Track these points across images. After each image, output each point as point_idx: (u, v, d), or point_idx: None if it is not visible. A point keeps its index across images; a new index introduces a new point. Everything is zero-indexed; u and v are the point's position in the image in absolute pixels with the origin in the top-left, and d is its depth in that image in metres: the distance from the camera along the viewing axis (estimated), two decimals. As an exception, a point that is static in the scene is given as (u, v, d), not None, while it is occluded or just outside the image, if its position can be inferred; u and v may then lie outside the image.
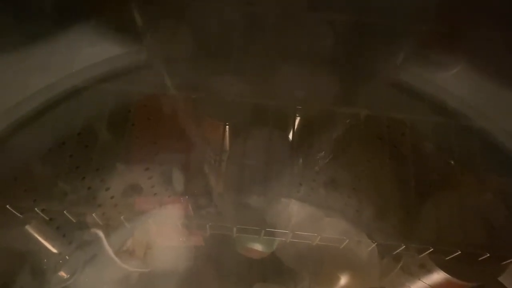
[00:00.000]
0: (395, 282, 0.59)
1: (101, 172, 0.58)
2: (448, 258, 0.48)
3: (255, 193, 0.51)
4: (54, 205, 0.47)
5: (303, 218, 0.52)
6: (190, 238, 0.56)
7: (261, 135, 0.55)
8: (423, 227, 0.51)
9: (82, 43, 0.55)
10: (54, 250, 0.58)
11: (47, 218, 0.49)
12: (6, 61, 0.52)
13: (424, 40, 0.53)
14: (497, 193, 0.53)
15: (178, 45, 0.55)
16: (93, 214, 0.48)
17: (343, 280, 0.59)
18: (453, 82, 0.56)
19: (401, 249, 0.48)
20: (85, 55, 0.55)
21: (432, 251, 0.47)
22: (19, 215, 0.47)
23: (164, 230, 0.53)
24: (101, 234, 0.54)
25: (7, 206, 0.46)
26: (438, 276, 0.51)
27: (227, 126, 0.57)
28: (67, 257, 0.58)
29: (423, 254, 0.48)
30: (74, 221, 0.49)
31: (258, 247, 0.58)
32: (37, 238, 0.55)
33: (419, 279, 0.55)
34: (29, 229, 0.54)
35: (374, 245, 0.48)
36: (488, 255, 0.46)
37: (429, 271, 0.52)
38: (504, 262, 0.49)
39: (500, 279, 0.53)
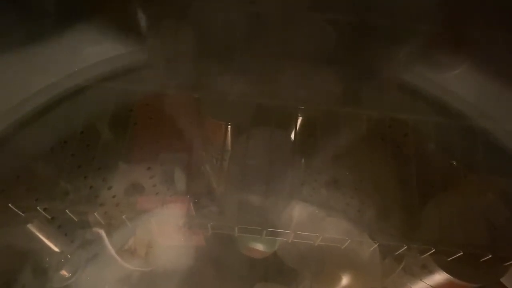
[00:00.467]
0: (396, 283, 0.59)
1: (103, 171, 0.58)
2: (450, 259, 0.48)
3: (257, 193, 0.51)
4: (56, 204, 0.47)
5: (305, 218, 0.52)
6: (191, 237, 0.56)
7: (263, 134, 0.55)
8: (425, 227, 0.51)
9: (84, 43, 0.55)
10: (56, 249, 0.58)
11: (49, 217, 0.50)
12: (8, 60, 0.52)
13: (427, 40, 0.53)
14: (500, 194, 0.53)
15: (180, 44, 0.55)
16: (95, 213, 0.48)
17: (345, 280, 0.59)
18: (456, 83, 0.56)
19: (403, 249, 0.48)
20: (87, 54, 0.55)
21: (434, 251, 0.47)
22: (21, 213, 0.47)
23: (166, 229, 0.53)
24: (103, 233, 0.54)
25: (9, 205, 0.46)
26: (440, 276, 0.51)
27: (229, 126, 0.57)
28: (69, 256, 0.58)
29: (425, 255, 0.48)
30: (76, 220, 0.49)
31: (259, 246, 0.58)
32: (39, 237, 0.56)
33: (421, 280, 0.55)
34: (31, 228, 0.54)
35: (376, 245, 0.48)
36: (490, 256, 0.46)
37: (431, 271, 0.52)
38: (506, 263, 0.49)
39: (502, 280, 0.53)
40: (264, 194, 0.50)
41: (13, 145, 0.52)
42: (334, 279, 0.60)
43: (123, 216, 0.48)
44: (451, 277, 0.50)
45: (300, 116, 0.59)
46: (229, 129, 0.57)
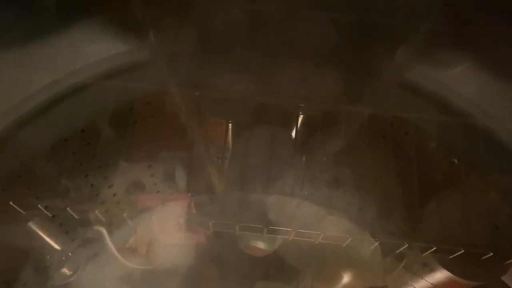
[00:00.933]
0: (398, 281, 0.59)
1: (104, 169, 0.58)
2: (451, 257, 0.48)
3: (257, 191, 0.51)
4: (57, 202, 0.47)
5: (306, 216, 0.52)
6: (192, 235, 0.56)
7: (264, 133, 0.55)
8: (426, 225, 0.51)
9: (85, 40, 0.55)
10: (57, 247, 0.58)
11: (50, 215, 0.49)
12: (9, 58, 0.52)
13: (429, 38, 0.53)
14: (501, 192, 0.52)
15: (181, 42, 0.55)
16: (96, 211, 0.48)
17: (346, 278, 0.59)
18: (458, 81, 0.56)
19: (404, 247, 0.48)
20: (88, 52, 0.55)
21: (435, 250, 0.47)
22: (22, 211, 0.47)
23: (167, 227, 0.53)
24: (104, 231, 0.54)
25: (10, 202, 0.46)
26: (441, 275, 0.51)
27: (230, 124, 0.57)
28: (70, 254, 0.58)
29: (426, 253, 0.48)
30: (77, 218, 0.49)
31: (260, 245, 0.58)
32: (40, 235, 0.56)
33: (422, 278, 0.55)
34: (32, 226, 0.54)
35: (377, 243, 0.48)
36: (492, 254, 0.46)
37: (432, 270, 0.52)
38: (508, 261, 0.49)
39: (504, 278, 0.53)
40: (265, 192, 0.50)
41: (14, 144, 0.52)
42: (335, 277, 0.60)
43: (124, 214, 0.48)
44: (452, 275, 0.50)
45: (301, 114, 0.59)
46: (230, 127, 0.57)
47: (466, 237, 0.48)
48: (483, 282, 0.51)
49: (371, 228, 0.49)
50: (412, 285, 0.57)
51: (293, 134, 0.59)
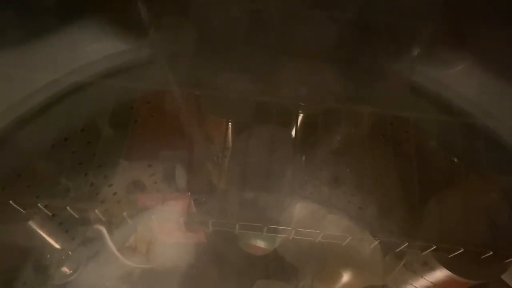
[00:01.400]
0: (397, 280, 0.59)
1: (104, 168, 0.58)
2: (451, 256, 0.48)
3: (257, 190, 0.51)
4: (57, 201, 0.47)
5: (306, 215, 0.52)
6: (192, 234, 0.56)
7: (264, 132, 0.55)
8: (426, 224, 0.51)
9: (85, 40, 0.55)
10: (57, 246, 0.58)
11: (50, 214, 0.50)
12: (8, 57, 0.52)
13: (429, 37, 0.53)
14: (501, 192, 0.53)
15: (181, 41, 0.55)
16: (96, 210, 0.48)
17: (346, 277, 0.59)
18: (458, 80, 0.56)
19: (404, 246, 0.48)
20: (88, 51, 0.55)
21: (435, 248, 0.47)
22: (22, 210, 0.47)
23: (167, 226, 0.53)
24: (104, 230, 0.54)
25: (10, 201, 0.46)
26: (441, 273, 0.51)
27: (230, 123, 0.57)
28: (70, 252, 0.58)
29: (426, 252, 0.48)
30: (77, 217, 0.49)
31: (260, 243, 0.58)
32: (40, 234, 0.56)
33: (422, 277, 0.55)
34: (32, 224, 0.54)
35: (377, 242, 0.48)
36: (491, 253, 0.46)
37: (432, 268, 0.52)
38: (507, 260, 0.49)
39: (503, 277, 0.53)
40: (265, 191, 0.50)
41: (14, 143, 0.52)
42: (334, 276, 0.60)
43: (124, 213, 0.48)
44: (452, 274, 0.50)
45: (301, 113, 0.59)
46: (230, 126, 0.57)
47: (466, 236, 0.48)
48: (482, 281, 0.51)
49: (371, 227, 0.49)
50: (412, 284, 0.57)
51: (293, 133, 0.59)
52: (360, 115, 0.56)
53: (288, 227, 0.48)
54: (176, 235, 0.55)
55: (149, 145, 0.59)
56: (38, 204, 0.46)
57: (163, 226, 0.54)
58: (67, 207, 0.47)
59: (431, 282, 0.54)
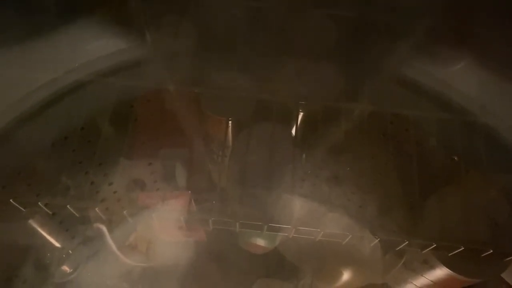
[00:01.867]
0: (397, 278, 0.59)
1: (104, 167, 0.57)
2: (451, 254, 0.48)
3: (258, 188, 0.51)
4: (57, 199, 0.47)
5: (306, 213, 0.51)
6: (192, 233, 0.56)
7: (264, 130, 0.55)
8: (426, 223, 0.51)
9: (85, 38, 0.55)
10: (57, 245, 0.58)
11: (50, 213, 0.50)
12: (9, 56, 0.52)
13: (429, 35, 0.53)
14: (501, 190, 0.53)
15: (181, 39, 0.55)
16: (96, 209, 0.48)
17: (346, 275, 0.59)
18: (458, 78, 0.56)
19: (404, 245, 0.48)
20: (88, 49, 0.55)
21: (435, 247, 0.47)
22: (22, 209, 0.47)
23: (167, 225, 0.53)
24: (104, 228, 0.54)
25: (11, 200, 0.46)
26: (441, 272, 0.51)
27: (230, 121, 0.57)
28: (70, 251, 0.58)
29: (426, 250, 0.48)
30: (77, 215, 0.49)
31: (260, 242, 0.58)
32: (40, 233, 0.56)
33: (422, 275, 0.55)
34: (32, 223, 0.54)
35: (377, 240, 0.48)
36: (491, 251, 0.46)
37: (432, 267, 0.52)
38: (507, 259, 0.49)
39: (503, 275, 0.53)
40: (265, 189, 0.50)
41: (14, 141, 0.52)
42: (335, 275, 0.60)
43: (124, 212, 0.48)
44: (452, 272, 0.50)
45: (301, 111, 0.59)
46: (230, 124, 0.57)
47: (466, 234, 0.48)
48: (482, 279, 0.52)
49: (371, 226, 0.49)
50: (412, 282, 0.57)
51: (293, 131, 0.59)
52: (360, 113, 0.56)
53: (288, 225, 0.48)
54: (177, 234, 0.55)
55: (149, 143, 0.59)
56: (39, 203, 0.46)
57: (163, 225, 0.54)
58: (68, 206, 0.47)
59: (431, 281, 0.54)
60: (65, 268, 0.58)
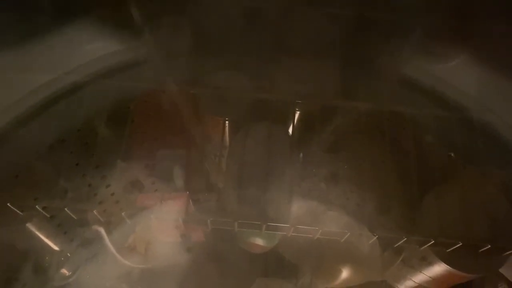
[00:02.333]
0: (396, 275, 0.59)
1: (102, 169, 0.57)
2: (449, 250, 0.48)
3: (256, 188, 0.51)
4: (55, 202, 0.47)
5: (304, 212, 0.52)
6: (191, 233, 0.56)
7: (261, 130, 0.55)
8: (424, 219, 0.51)
9: (82, 39, 0.55)
10: (56, 248, 0.58)
11: (48, 216, 0.49)
12: (5, 58, 0.52)
13: (426, 32, 0.53)
14: (498, 186, 0.53)
15: (178, 40, 0.55)
16: (94, 211, 0.48)
17: (345, 273, 0.60)
18: (455, 75, 0.56)
19: (402, 241, 0.48)
20: (84, 51, 0.55)
21: (433, 243, 0.47)
22: (20, 213, 0.47)
23: (165, 226, 0.53)
24: (102, 231, 0.54)
25: (8, 204, 0.46)
26: (440, 268, 0.52)
27: (227, 121, 0.57)
28: (69, 254, 0.58)
29: (424, 247, 0.48)
30: (75, 218, 0.49)
31: (259, 241, 0.58)
32: (38, 236, 0.55)
33: (421, 272, 0.55)
34: (31, 227, 0.53)
35: (375, 238, 0.48)
36: (489, 246, 0.47)
37: (430, 263, 0.53)
38: (505, 254, 0.49)
39: (501, 270, 0.53)
40: (263, 189, 0.50)
41: (11, 144, 0.52)
42: (334, 273, 0.60)
43: (123, 214, 0.48)
44: (451, 268, 0.51)
45: (298, 110, 0.59)
46: (227, 124, 0.57)
47: (464, 230, 0.48)
48: (481, 275, 0.52)
49: (370, 223, 0.49)
50: (410, 279, 0.58)
51: (290, 130, 0.59)
52: (357, 111, 0.56)
53: (287, 224, 0.48)
54: (175, 234, 0.55)
55: (146, 144, 0.59)
56: (36, 206, 0.46)
57: (162, 226, 0.54)
58: (65, 209, 0.47)
59: (430, 277, 0.54)
60: (64, 271, 0.57)
